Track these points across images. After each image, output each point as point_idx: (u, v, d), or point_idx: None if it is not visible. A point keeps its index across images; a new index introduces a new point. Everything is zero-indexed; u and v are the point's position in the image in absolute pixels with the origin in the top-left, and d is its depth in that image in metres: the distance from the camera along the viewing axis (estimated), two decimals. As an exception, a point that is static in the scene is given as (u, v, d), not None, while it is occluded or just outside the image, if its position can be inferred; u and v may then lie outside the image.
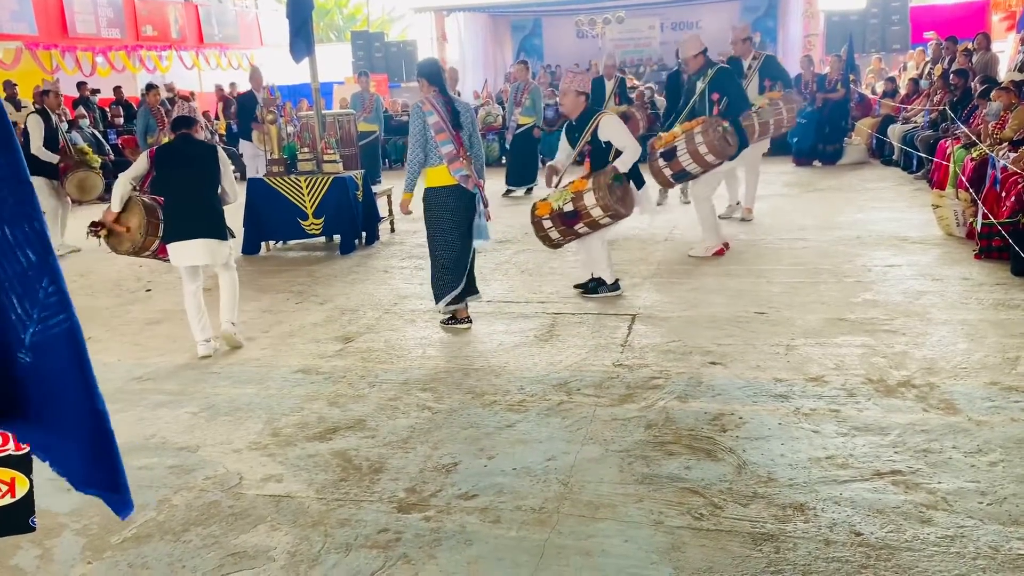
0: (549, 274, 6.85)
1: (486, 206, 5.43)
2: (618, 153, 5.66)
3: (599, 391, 4.28)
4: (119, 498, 1.87)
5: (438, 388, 4.47)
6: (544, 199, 5.82)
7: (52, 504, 3.27)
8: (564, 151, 6.00)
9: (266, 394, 4.53)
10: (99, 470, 1.82)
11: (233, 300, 5.34)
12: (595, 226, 5.69)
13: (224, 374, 4.89)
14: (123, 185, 5.14)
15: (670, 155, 6.63)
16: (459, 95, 12.58)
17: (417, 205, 5.45)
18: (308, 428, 4.03)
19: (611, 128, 5.66)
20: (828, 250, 7.05)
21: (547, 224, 5.76)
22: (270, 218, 8.29)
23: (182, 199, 5.11)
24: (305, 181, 8.15)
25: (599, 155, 5.72)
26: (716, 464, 3.41)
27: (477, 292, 5.68)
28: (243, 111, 10.92)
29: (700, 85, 7.01)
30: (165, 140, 13.10)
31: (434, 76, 5.38)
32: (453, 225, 5.32)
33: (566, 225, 5.69)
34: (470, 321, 5.54)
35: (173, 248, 5.14)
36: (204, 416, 4.26)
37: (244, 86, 16.82)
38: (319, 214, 8.17)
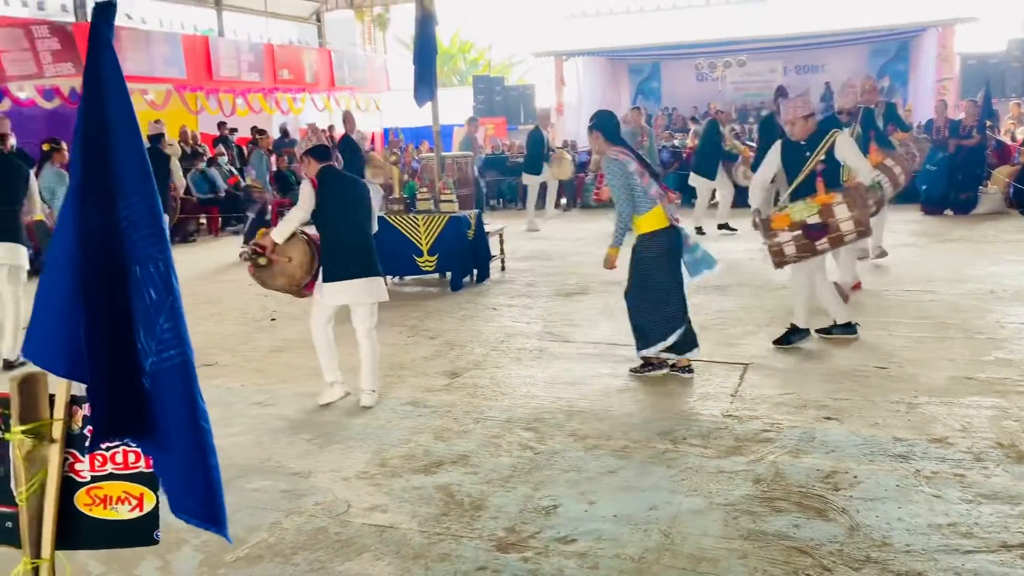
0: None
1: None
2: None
3: (706, 441, 4.19)
4: (215, 529, 1.99)
5: (541, 428, 4.49)
6: (780, 211, 5.59)
7: (175, 520, 3.46)
8: (771, 167, 5.85)
9: (376, 425, 4.67)
10: (194, 500, 1.95)
11: (373, 364, 5.02)
12: (837, 243, 5.54)
13: (338, 403, 5.06)
14: (295, 222, 4.83)
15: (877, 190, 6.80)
16: (550, 137, 12.81)
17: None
18: (414, 460, 4.12)
19: (847, 148, 5.54)
20: (958, 304, 6.68)
21: (785, 238, 5.51)
22: (388, 254, 8.55)
23: (345, 236, 4.85)
24: (422, 220, 8.42)
25: (833, 173, 5.56)
26: (827, 524, 3.27)
27: (697, 344, 5.30)
28: (344, 153, 11.60)
29: (850, 130, 7.17)
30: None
31: (612, 134, 5.27)
32: (670, 268, 5.19)
33: (809, 239, 5.46)
34: (691, 370, 5.27)
35: (333, 287, 4.84)
36: (317, 443, 4.43)
37: (340, 126, 17.63)
38: (433, 251, 8.41)
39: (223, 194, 13.78)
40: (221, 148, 14.78)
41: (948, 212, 12.05)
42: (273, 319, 7.50)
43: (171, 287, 1.90)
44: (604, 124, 5.29)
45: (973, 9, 17.75)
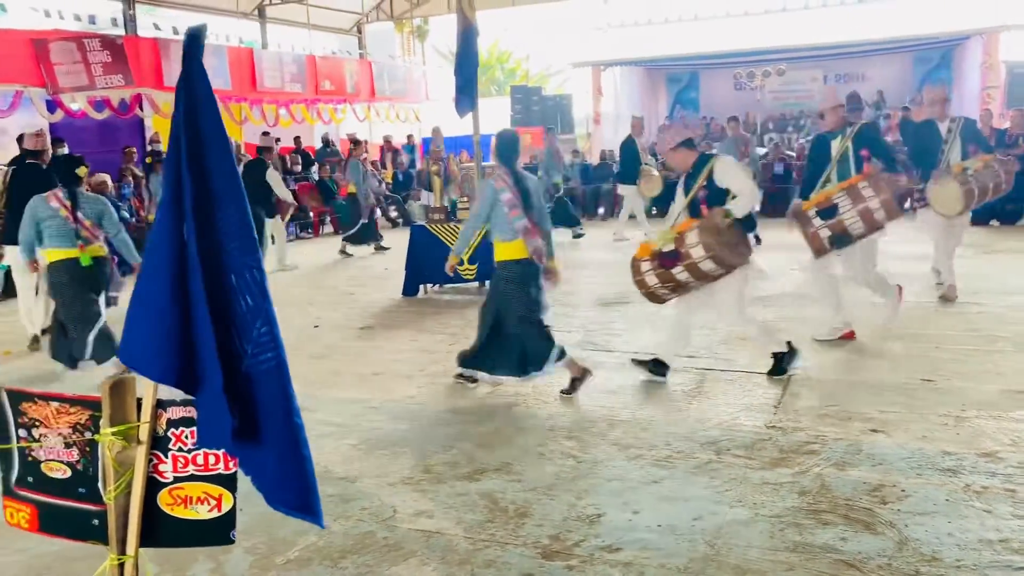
0: (699, 329, 6.74)
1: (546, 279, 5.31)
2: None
3: (750, 452, 4.17)
4: (310, 518, 2.07)
5: (583, 437, 4.51)
6: (648, 241, 5.38)
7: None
8: (679, 202, 5.54)
9: (420, 431, 4.72)
10: (290, 491, 2.02)
11: None
12: (696, 273, 5.04)
13: (382, 409, 5.14)
14: None
15: (830, 213, 5.75)
16: (628, 145, 12.60)
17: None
18: (458, 467, 4.17)
19: (728, 171, 5.13)
20: (1006, 316, 6.57)
21: (645, 267, 5.23)
22: (429, 262, 8.69)
23: None
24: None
25: (716, 202, 5.13)
26: (874, 537, 3.25)
27: (541, 369, 5.25)
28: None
29: (838, 144, 6.02)
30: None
31: (505, 156, 5.32)
32: (525, 298, 5.21)
33: (664, 267, 5.11)
34: (476, 381, 5.47)
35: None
36: (363, 449, 4.50)
37: (398, 139, 17.99)
38: (473, 260, 8.48)
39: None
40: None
41: (994, 222, 11.85)
42: (316, 326, 7.61)
43: (266, 293, 1.98)
44: (500, 145, 5.34)
45: (1019, 16, 17.40)
